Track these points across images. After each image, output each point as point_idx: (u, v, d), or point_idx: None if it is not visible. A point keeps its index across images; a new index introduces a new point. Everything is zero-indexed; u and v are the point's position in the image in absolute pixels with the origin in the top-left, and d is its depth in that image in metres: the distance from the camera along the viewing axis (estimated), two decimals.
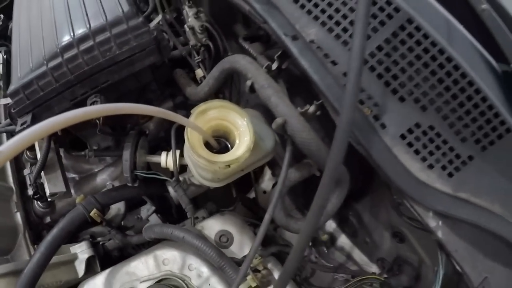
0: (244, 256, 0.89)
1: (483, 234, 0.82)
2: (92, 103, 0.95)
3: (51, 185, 1.08)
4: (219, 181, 0.88)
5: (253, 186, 1.26)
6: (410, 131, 0.79)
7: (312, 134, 0.73)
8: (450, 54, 0.78)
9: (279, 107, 0.74)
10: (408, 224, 0.97)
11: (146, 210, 1.24)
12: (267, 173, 1.29)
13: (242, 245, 0.95)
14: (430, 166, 0.80)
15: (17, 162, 1.28)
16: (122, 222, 1.18)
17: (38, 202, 1.19)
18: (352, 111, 0.63)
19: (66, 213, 1.05)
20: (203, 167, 0.82)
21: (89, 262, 1.12)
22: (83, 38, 0.96)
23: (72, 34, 0.97)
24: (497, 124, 0.76)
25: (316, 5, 0.83)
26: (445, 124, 0.79)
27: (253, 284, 0.84)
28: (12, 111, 0.99)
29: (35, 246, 1.15)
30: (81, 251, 1.12)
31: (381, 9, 0.78)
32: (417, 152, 0.79)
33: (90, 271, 1.12)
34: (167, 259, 0.91)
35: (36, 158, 1.16)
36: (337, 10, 0.82)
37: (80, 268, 1.10)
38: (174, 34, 1.35)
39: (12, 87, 0.98)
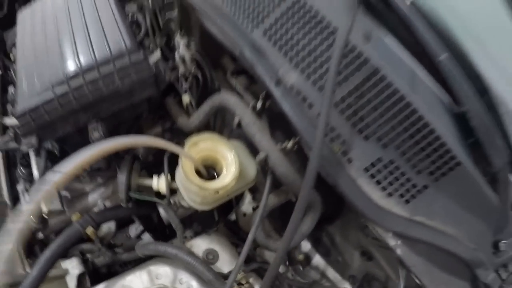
0: (229, 272, 0.99)
1: (438, 252, 0.89)
2: (94, 130, 1.04)
3: (48, 203, 1.14)
4: (208, 205, 0.98)
5: (234, 209, 1.37)
6: (373, 164, 0.87)
7: (289, 168, 0.84)
8: (409, 100, 0.84)
9: (262, 143, 0.86)
10: (375, 243, 1.08)
11: (135, 229, 1.31)
12: (247, 196, 1.38)
13: (227, 262, 1.04)
14: (389, 194, 0.88)
15: (11, 177, 1.33)
16: (111, 240, 1.25)
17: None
18: (321, 148, 0.74)
19: (59, 230, 1.11)
20: (194, 192, 0.93)
21: (79, 278, 1.16)
22: (88, 69, 1.02)
23: (78, 64, 1.03)
24: (447, 159, 0.85)
25: (297, 53, 0.91)
26: (403, 158, 0.87)
27: None
28: (18, 131, 1.04)
29: (28, 259, 1.19)
30: (72, 266, 1.16)
31: (352, 61, 0.86)
32: (378, 182, 0.87)
33: (81, 287, 1.17)
34: (160, 274, 0.99)
35: (30, 175, 1.22)
36: (315, 59, 0.89)
37: (72, 284, 1.14)
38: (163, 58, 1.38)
39: (19, 109, 1.01)
